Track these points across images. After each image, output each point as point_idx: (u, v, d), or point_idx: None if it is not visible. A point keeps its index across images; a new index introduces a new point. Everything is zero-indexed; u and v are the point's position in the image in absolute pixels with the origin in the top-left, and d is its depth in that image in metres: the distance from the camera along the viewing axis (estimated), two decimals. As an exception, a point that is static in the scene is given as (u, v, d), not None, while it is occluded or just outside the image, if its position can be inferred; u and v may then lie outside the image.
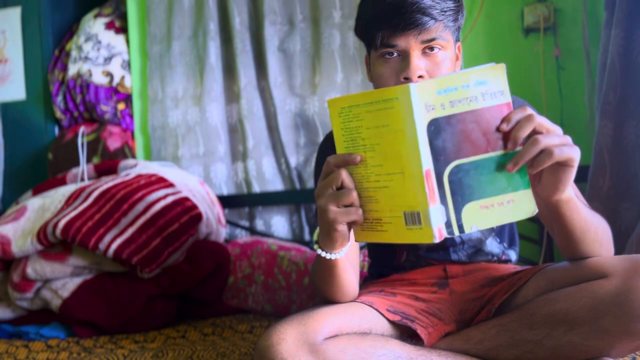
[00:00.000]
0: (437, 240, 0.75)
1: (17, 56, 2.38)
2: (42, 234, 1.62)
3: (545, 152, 0.78)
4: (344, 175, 0.83)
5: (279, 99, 2.12)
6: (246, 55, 2.15)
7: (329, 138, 1.21)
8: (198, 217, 1.72)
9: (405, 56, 0.98)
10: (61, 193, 1.81)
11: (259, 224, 2.14)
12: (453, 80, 0.76)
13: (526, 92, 2.00)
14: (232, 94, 2.20)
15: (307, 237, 2.09)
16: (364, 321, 1.00)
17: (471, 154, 0.78)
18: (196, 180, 2.01)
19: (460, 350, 1.00)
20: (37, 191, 1.97)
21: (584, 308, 0.88)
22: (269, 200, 2.10)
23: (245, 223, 2.17)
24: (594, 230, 0.95)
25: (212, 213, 1.88)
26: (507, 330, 0.96)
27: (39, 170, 2.34)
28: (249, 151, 2.14)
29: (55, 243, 1.64)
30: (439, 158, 0.76)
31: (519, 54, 2.00)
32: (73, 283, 1.64)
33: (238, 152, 2.19)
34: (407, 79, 0.97)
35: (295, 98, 2.12)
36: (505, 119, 0.79)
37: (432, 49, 0.98)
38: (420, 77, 0.97)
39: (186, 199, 1.74)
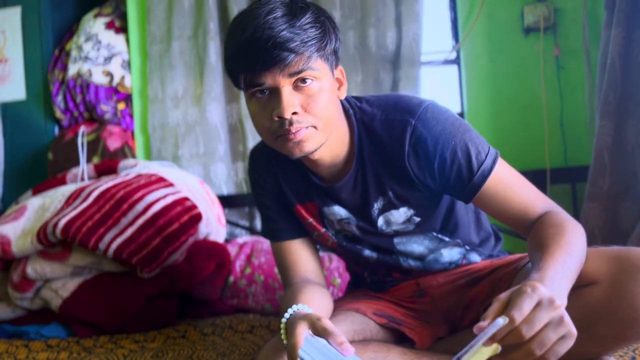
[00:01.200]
0: None
1: (17, 56, 2.38)
2: (42, 234, 1.62)
3: None
4: None
5: (279, 98, 2.12)
6: (246, 55, 2.15)
7: (265, 158, 1.12)
8: (198, 217, 1.72)
9: (275, 93, 0.90)
10: (61, 193, 1.81)
11: (259, 224, 2.14)
12: None
13: (526, 92, 2.01)
14: (232, 94, 2.20)
15: (307, 237, 2.09)
16: (356, 325, 1.01)
17: None
18: (196, 180, 2.01)
19: None
20: (37, 191, 1.97)
21: (576, 317, 0.85)
22: (269, 200, 2.10)
23: (245, 223, 2.17)
24: (582, 256, 0.86)
25: (212, 213, 1.88)
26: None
27: (39, 170, 2.34)
28: (248, 151, 2.13)
29: (55, 243, 1.64)
30: None
31: (519, 54, 2.00)
32: (73, 283, 1.64)
33: (238, 152, 2.18)
34: (281, 118, 0.89)
35: (295, 98, 2.12)
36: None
37: (304, 81, 0.89)
38: (294, 113, 0.89)
39: (186, 199, 1.74)
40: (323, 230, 1.11)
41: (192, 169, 2.18)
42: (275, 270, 1.78)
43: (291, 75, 0.88)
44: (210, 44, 2.17)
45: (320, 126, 0.92)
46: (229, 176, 2.19)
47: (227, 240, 2.02)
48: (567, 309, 0.85)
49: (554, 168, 1.91)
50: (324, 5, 2.06)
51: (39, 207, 1.78)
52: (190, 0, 2.22)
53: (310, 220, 1.10)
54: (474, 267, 1.12)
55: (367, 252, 1.11)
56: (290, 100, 0.89)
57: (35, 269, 1.62)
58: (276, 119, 0.90)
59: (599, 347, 0.86)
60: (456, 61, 2.12)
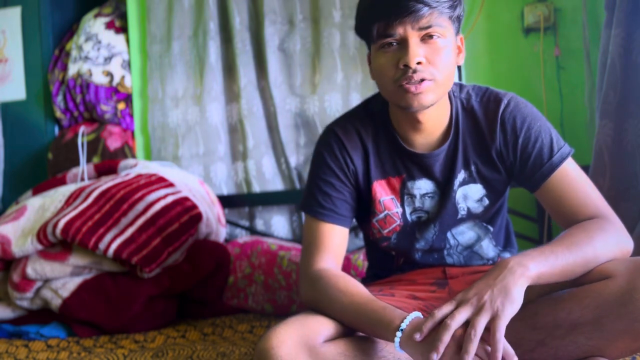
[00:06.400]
0: None
1: (17, 56, 2.38)
2: (42, 234, 1.62)
3: None
4: None
5: (279, 98, 2.12)
6: (246, 55, 2.15)
7: (354, 132, 1.13)
8: (198, 216, 1.72)
9: (403, 44, 0.97)
10: (61, 193, 1.81)
11: (259, 224, 2.14)
12: None
13: (526, 92, 2.00)
14: (232, 94, 2.20)
15: (307, 237, 2.09)
16: None
17: None
18: (196, 180, 2.01)
19: None
20: (37, 191, 1.97)
21: (588, 308, 0.88)
22: (269, 200, 2.10)
23: (245, 223, 2.17)
24: (590, 259, 0.92)
25: (212, 213, 1.88)
26: (510, 329, 0.96)
27: (39, 170, 2.34)
28: (249, 151, 2.14)
29: (55, 243, 1.64)
30: None
31: (519, 54, 2.00)
32: (73, 283, 1.64)
33: (238, 152, 2.18)
34: (406, 67, 0.96)
35: (295, 98, 2.12)
36: None
37: (431, 36, 0.97)
38: (419, 63, 0.96)
39: (186, 199, 1.74)
40: (395, 210, 1.13)
41: (192, 169, 2.18)
42: (275, 270, 1.78)
43: (421, 28, 0.96)
44: (210, 44, 2.16)
45: (439, 80, 0.98)
46: (229, 176, 2.19)
47: (227, 240, 2.02)
48: (581, 299, 0.89)
49: (554, 168, 1.91)
50: (324, 5, 2.06)
51: (39, 207, 1.78)
52: (190, 0, 2.21)
53: (387, 197, 1.12)
54: None
55: (419, 245, 1.15)
56: (417, 50, 0.96)
57: (35, 269, 1.62)
58: (402, 67, 0.96)
59: (606, 341, 0.87)
60: (456, 61, 2.12)
